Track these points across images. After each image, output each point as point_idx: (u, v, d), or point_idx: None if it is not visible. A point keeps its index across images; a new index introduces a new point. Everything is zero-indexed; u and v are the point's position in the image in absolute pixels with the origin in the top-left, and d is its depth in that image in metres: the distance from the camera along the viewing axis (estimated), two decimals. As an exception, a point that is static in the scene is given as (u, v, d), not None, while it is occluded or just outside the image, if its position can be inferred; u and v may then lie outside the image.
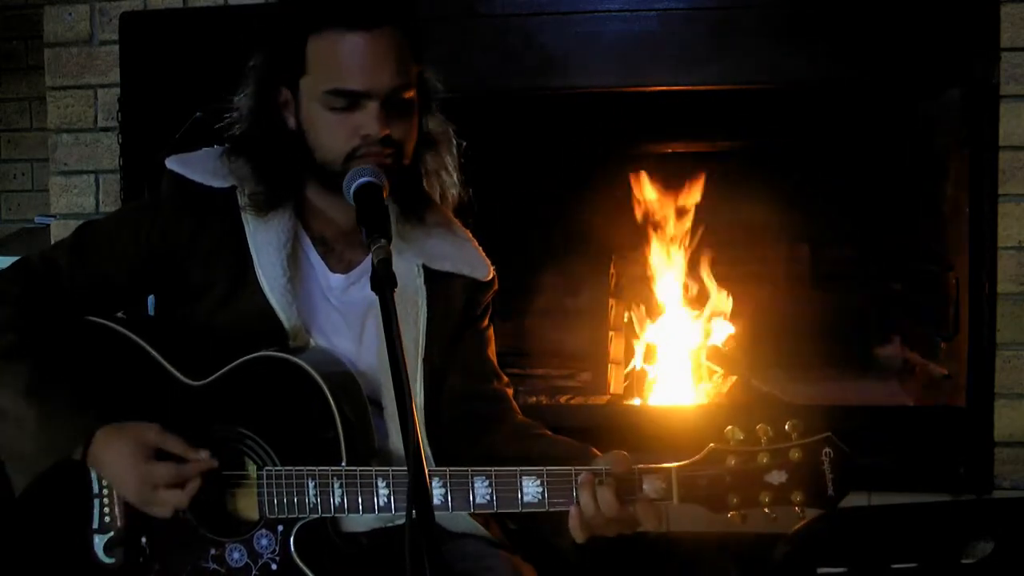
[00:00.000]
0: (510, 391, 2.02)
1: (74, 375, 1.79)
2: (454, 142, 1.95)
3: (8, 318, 1.80)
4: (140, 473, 1.71)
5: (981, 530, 2.43)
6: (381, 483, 1.70)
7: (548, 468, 1.65)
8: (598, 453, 1.73)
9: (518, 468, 1.66)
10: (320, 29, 1.76)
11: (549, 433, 1.92)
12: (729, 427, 1.61)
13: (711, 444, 1.61)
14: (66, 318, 1.86)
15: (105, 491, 1.81)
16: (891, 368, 3.35)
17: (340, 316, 1.90)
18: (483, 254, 2.01)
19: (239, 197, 1.86)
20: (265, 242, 1.84)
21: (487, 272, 1.99)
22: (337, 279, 1.91)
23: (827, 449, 1.58)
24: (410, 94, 1.80)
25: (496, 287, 2.02)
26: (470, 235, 2.02)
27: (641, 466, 1.63)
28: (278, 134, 1.84)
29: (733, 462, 1.60)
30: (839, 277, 3.48)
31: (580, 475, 1.63)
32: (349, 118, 1.76)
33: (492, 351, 2.02)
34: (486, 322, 2.02)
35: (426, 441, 1.88)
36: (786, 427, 1.59)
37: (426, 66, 1.87)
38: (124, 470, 1.73)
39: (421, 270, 1.92)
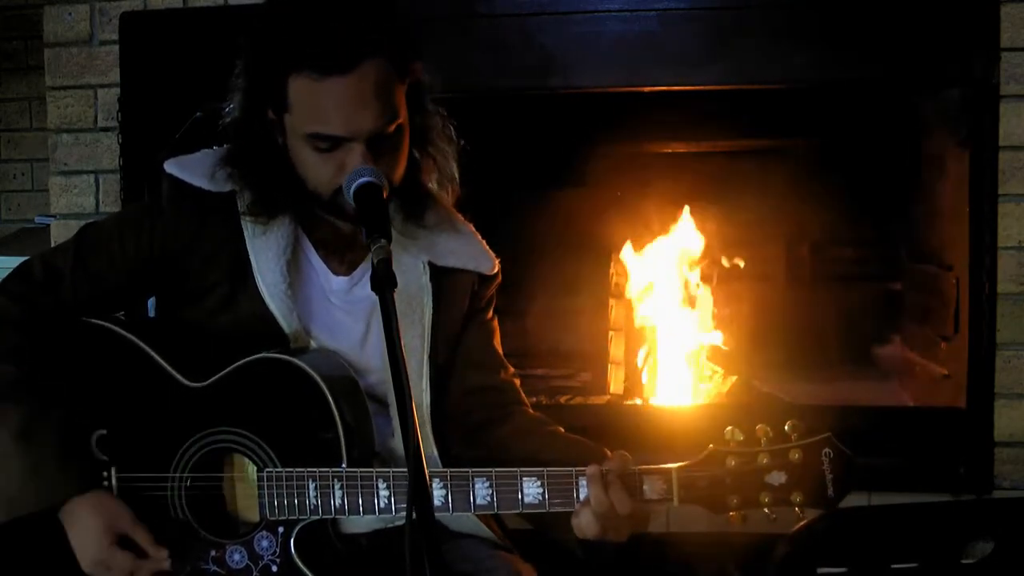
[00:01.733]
0: (517, 381, 2.01)
1: (69, 408, 1.78)
2: (453, 137, 1.91)
3: (7, 345, 1.79)
4: (99, 555, 1.73)
5: (981, 530, 2.42)
6: (381, 484, 1.70)
7: (548, 469, 1.65)
8: (610, 455, 1.71)
9: (518, 469, 1.66)
10: (298, 70, 1.70)
11: (561, 430, 1.91)
12: (729, 428, 1.61)
13: (711, 445, 1.61)
14: (67, 328, 1.85)
15: (105, 493, 1.82)
16: (891, 368, 3.35)
17: (345, 316, 1.90)
18: (487, 247, 2.00)
19: (239, 203, 1.85)
20: (264, 248, 1.84)
21: (492, 266, 1.99)
22: (340, 281, 1.90)
23: (827, 450, 1.58)
24: (397, 123, 1.76)
25: (500, 279, 2.02)
26: (472, 228, 2.01)
27: (641, 467, 1.63)
28: (269, 151, 1.81)
29: (733, 463, 1.60)
30: (839, 277, 3.48)
31: (589, 469, 1.62)
32: (334, 156, 1.73)
33: (497, 342, 2.02)
34: (490, 314, 2.01)
35: (432, 439, 1.88)
36: (786, 428, 1.59)
37: (418, 70, 1.81)
38: (86, 545, 1.73)
39: (427, 267, 1.91)
